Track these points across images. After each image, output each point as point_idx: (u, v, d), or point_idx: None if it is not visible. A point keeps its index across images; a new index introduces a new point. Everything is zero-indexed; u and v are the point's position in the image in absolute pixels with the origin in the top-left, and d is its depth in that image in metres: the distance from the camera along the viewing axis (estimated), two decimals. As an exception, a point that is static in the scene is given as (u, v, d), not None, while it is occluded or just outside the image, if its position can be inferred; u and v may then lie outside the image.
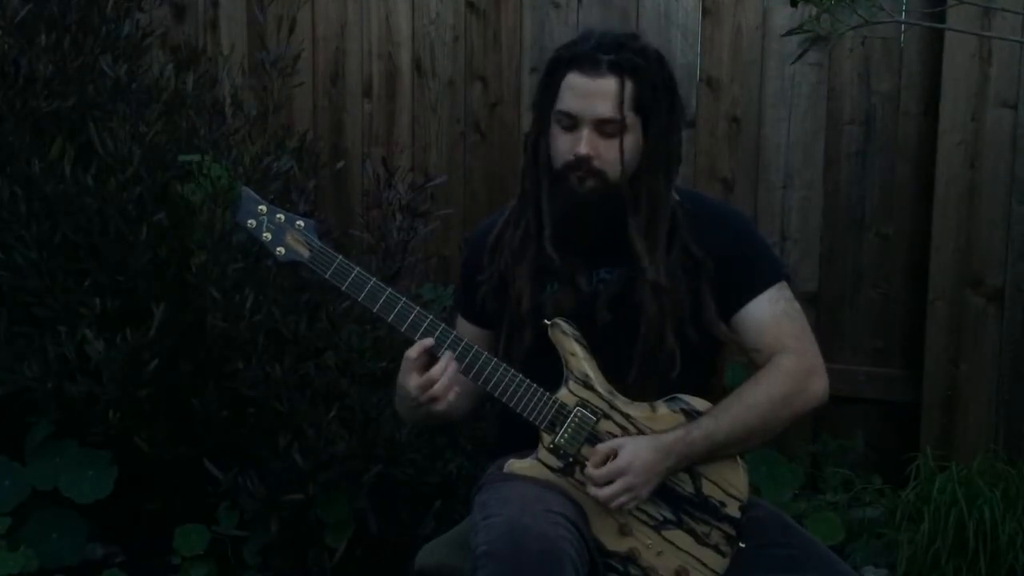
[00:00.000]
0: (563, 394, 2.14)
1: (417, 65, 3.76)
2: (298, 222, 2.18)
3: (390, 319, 2.15)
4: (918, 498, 3.05)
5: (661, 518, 2.12)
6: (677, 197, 2.23)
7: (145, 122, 3.01)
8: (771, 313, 2.20)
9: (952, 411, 3.34)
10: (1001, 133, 3.24)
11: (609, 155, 2.13)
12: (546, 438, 2.14)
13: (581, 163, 2.13)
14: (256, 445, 2.99)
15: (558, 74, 2.15)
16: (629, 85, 2.11)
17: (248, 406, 2.97)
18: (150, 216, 2.99)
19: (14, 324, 3.03)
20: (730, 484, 2.14)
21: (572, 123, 2.14)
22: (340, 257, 2.16)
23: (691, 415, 2.14)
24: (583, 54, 2.13)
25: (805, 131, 3.47)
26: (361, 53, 3.81)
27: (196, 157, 3.01)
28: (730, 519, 2.14)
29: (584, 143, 2.12)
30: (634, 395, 2.16)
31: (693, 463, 2.13)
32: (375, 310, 2.15)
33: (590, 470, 2.09)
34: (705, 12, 3.52)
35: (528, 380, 2.14)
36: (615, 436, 2.13)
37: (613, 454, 2.09)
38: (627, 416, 2.14)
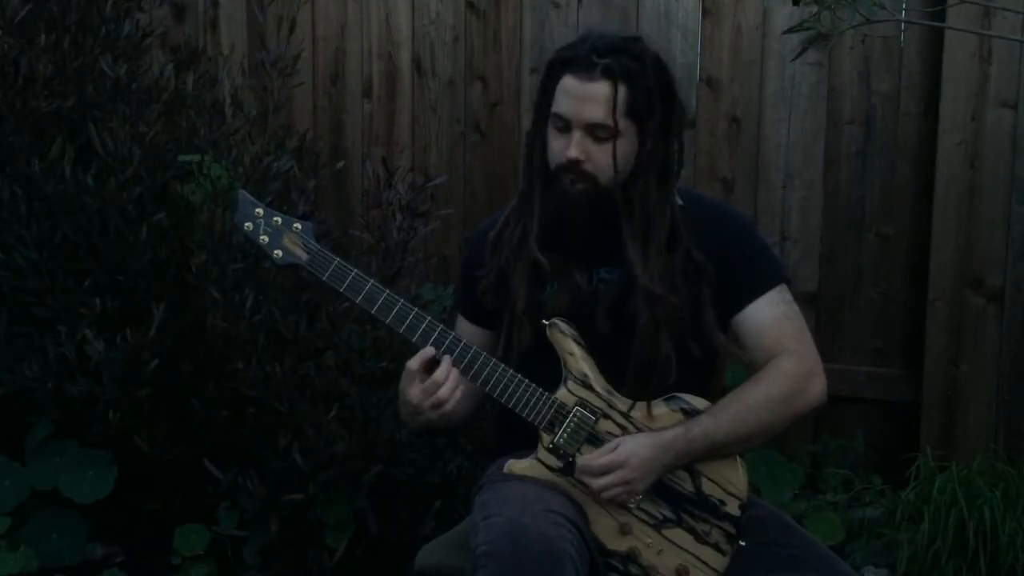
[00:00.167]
0: (562, 394, 2.15)
1: (417, 65, 3.76)
2: (295, 224, 2.18)
3: (388, 320, 2.15)
4: (918, 498, 3.05)
5: (661, 517, 2.12)
6: (680, 201, 2.23)
7: (145, 122, 3.01)
8: (771, 315, 2.20)
9: (952, 411, 3.34)
10: (1001, 133, 3.24)
11: (600, 159, 2.13)
12: (545, 438, 2.14)
13: (571, 166, 2.13)
14: (256, 445, 2.99)
15: (554, 76, 2.16)
16: (622, 90, 2.11)
17: (248, 406, 2.97)
18: (150, 216, 2.99)
19: (14, 324, 3.03)
20: (730, 483, 2.15)
21: (565, 126, 2.14)
22: (338, 259, 2.16)
23: (690, 414, 2.14)
24: (578, 57, 2.13)
25: (805, 131, 3.47)
26: (361, 53, 3.81)
27: (196, 157, 3.01)
28: (730, 517, 2.14)
29: (574, 147, 2.12)
30: (631, 398, 2.16)
31: (692, 461, 2.13)
32: (373, 311, 2.15)
33: (587, 459, 2.09)
34: (705, 12, 3.52)
35: (527, 380, 2.14)
36: (614, 435, 2.13)
37: (612, 448, 2.09)
38: (626, 415, 2.14)
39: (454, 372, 2.13)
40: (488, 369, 2.15)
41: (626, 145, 2.14)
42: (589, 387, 2.15)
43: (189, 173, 3.02)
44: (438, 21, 3.73)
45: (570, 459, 2.12)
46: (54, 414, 3.07)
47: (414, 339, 2.16)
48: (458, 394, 2.14)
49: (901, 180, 3.43)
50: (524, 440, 2.16)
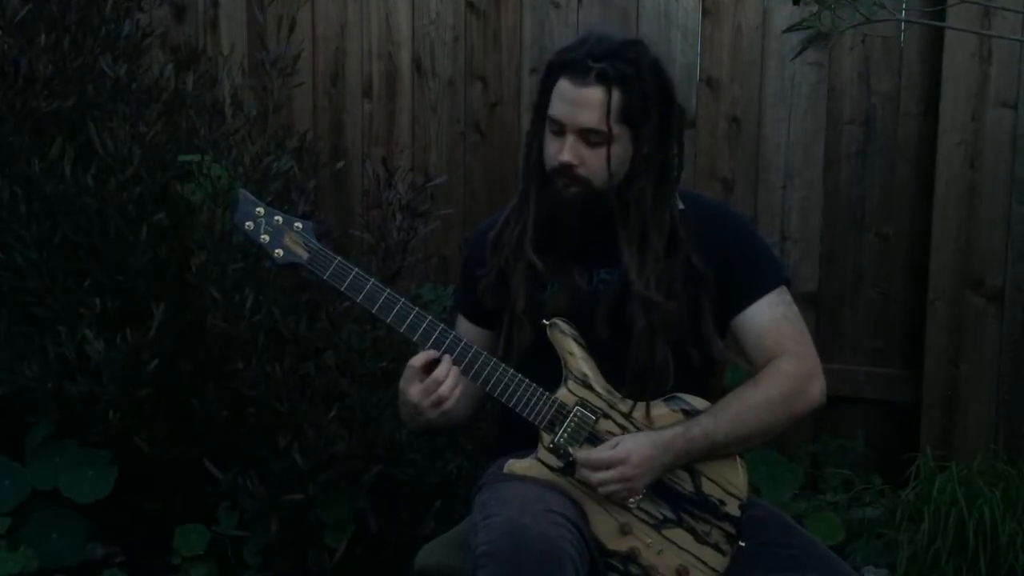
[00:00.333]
0: (562, 393, 2.15)
1: (417, 65, 3.76)
2: (296, 223, 2.18)
3: (389, 319, 2.15)
4: (918, 498, 3.05)
5: (661, 517, 2.12)
6: (681, 205, 2.22)
7: (145, 122, 3.01)
8: (771, 317, 2.20)
9: (952, 411, 3.34)
10: (1001, 133, 3.24)
11: (594, 164, 2.13)
12: (546, 438, 2.14)
13: (565, 170, 2.14)
14: (256, 445, 2.99)
15: (551, 78, 2.16)
16: (617, 95, 2.10)
17: (248, 406, 2.97)
18: (150, 216, 2.99)
19: (14, 324, 3.03)
20: (730, 483, 2.15)
21: (559, 129, 2.14)
22: (338, 258, 2.16)
23: (691, 414, 2.15)
24: (574, 61, 2.12)
25: (805, 131, 3.47)
26: (361, 53, 3.81)
27: (196, 157, 3.01)
28: (730, 518, 2.14)
29: (567, 151, 2.13)
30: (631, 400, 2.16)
31: (692, 461, 2.13)
32: (374, 311, 2.15)
33: (587, 453, 2.09)
34: (705, 12, 3.52)
35: (527, 380, 2.14)
36: (614, 435, 2.13)
37: (612, 446, 2.09)
38: (626, 415, 2.14)
39: (454, 370, 2.13)
40: (488, 369, 2.15)
41: (620, 150, 2.14)
42: (589, 387, 2.15)
43: (189, 173, 3.02)
44: (438, 21, 3.73)
45: (570, 459, 2.12)
46: (54, 414, 3.07)
47: (414, 338, 2.16)
48: (458, 392, 2.14)
49: (901, 180, 3.43)
50: (524, 440, 2.16)
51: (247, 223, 2.17)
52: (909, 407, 3.42)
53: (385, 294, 2.15)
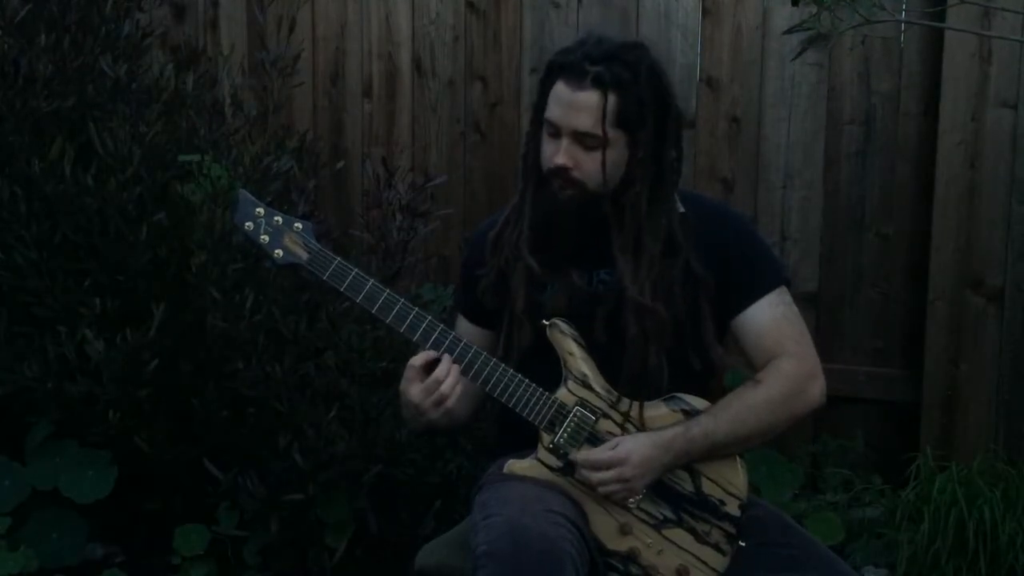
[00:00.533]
0: (562, 394, 2.15)
1: (417, 65, 3.76)
2: (296, 224, 2.18)
3: (388, 320, 2.16)
4: (918, 498, 3.05)
5: (661, 517, 2.13)
6: (681, 208, 2.22)
7: (145, 122, 3.01)
8: (771, 317, 2.20)
9: (952, 411, 3.34)
10: (1001, 133, 3.24)
11: (589, 167, 2.13)
12: (545, 438, 2.14)
13: (560, 172, 2.14)
14: (256, 445, 2.99)
15: (549, 80, 2.16)
16: (612, 100, 2.10)
17: (248, 406, 2.97)
18: (150, 216, 2.99)
19: (14, 324, 3.03)
20: (729, 483, 2.15)
21: (555, 132, 2.14)
22: (338, 259, 2.17)
23: (691, 414, 2.15)
24: (571, 63, 2.12)
25: (805, 131, 3.47)
26: (361, 53, 3.81)
27: (196, 157, 3.01)
28: (730, 517, 2.14)
29: (562, 154, 2.13)
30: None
31: (692, 461, 2.13)
32: (373, 311, 2.16)
33: (586, 454, 2.09)
34: (705, 12, 3.52)
35: (527, 380, 2.14)
36: (614, 435, 2.13)
37: (612, 446, 2.09)
38: (626, 415, 2.14)
39: (455, 369, 2.13)
40: (488, 369, 2.15)
41: (616, 154, 2.14)
42: (589, 387, 2.15)
43: (189, 173, 3.02)
44: (438, 21, 3.73)
45: (570, 459, 2.12)
46: (54, 414, 3.07)
47: (414, 339, 2.16)
48: (459, 391, 2.14)
49: (901, 180, 3.43)
50: (524, 440, 2.16)
51: (247, 223, 2.17)
52: (909, 407, 3.42)
53: (385, 294, 2.16)
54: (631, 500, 2.11)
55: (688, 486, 2.14)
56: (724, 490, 2.15)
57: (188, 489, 3.11)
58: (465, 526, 2.29)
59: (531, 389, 2.14)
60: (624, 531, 2.12)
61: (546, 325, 2.17)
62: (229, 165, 2.99)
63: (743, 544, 2.13)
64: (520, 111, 3.64)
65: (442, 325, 2.17)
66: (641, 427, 2.14)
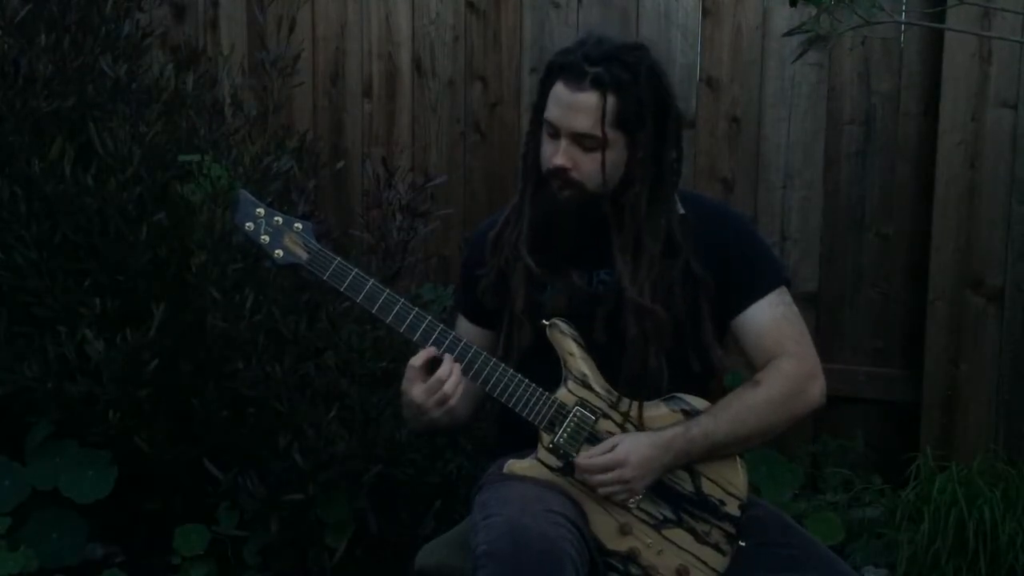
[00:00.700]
0: (562, 394, 2.15)
1: (417, 65, 3.76)
2: (296, 224, 2.18)
3: (388, 320, 2.16)
4: (918, 498, 3.05)
5: (661, 517, 2.13)
6: (681, 209, 2.22)
7: (145, 122, 3.01)
8: (771, 318, 2.20)
9: (952, 411, 3.34)
10: (1001, 133, 3.24)
11: (588, 168, 2.13)
12: (545, 438, 2.14)
13: (558, 173, 2.14)
14: (256, 445, 2.99)
15: (549, 81, 2.16)
16: (611, 101, 2.10)
17: (248, 406, 2.97)
18: (150, 216, 2.99)
19: (14, 324, 3.03)
20: (729, 483, 2.15)
21: (554, 132, 2.14)
22: (338, 259, 2.17)
23: (691, 415, 2.15)
24: (570, 64, 2.12)
25: (805, 131, 3.47)
26: (361, 53, 3.81)
27: (196, 157, 3.01)
28: (730, 518, 2.14)
29: (561, 155, 2.13)
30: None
31: (692, 461, 2.13)
32: (373, 311, 2.16)
33: (586, 458, 2.09)
34: (705, 12, 3.52)
35: (527, 380, 2.14)
36: (614, 435, 2.13)
37: (611, 447, 2.09)
38: (626, 415, 2.14)
39: (456, 368, 2.13)
40: (488, 369, 2.15)
41: (615, 155, 2.14)
42: (589, 387, 2.15)
43: (189, 173, 3.02)
44: (438, 21, 3.73)
45: (570, 459, 2.12)
46: (54, 414, 3.07)
47: (414, 339, 2.16)
48: (460, 390, 2.14)
49: (901, 180, 3.43)
50: (524, 440, 2.16)
51: (247, 223, 2.17)
52: (909, 407, 3.42)
53: (385, 294, 2.16)
54: (631, 500, 2.11)
55: (688, 486, 2.14)
56: (724, 490, 2.15)
57: (188, 489, 3.11)
58: (465, 526, 2.29)
59: (531, 389, 2.14)
60: (624, 531, 2.12)
61: (546, 325, 2.17)
62: (229, 165, 2.99)
63: (743, 544, 2.13)
64: (520, 111, 3.64)
65: (442, 325, 2.17)
66: (641, 427, 2.14)
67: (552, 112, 2.15)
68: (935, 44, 3.30)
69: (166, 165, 3.04)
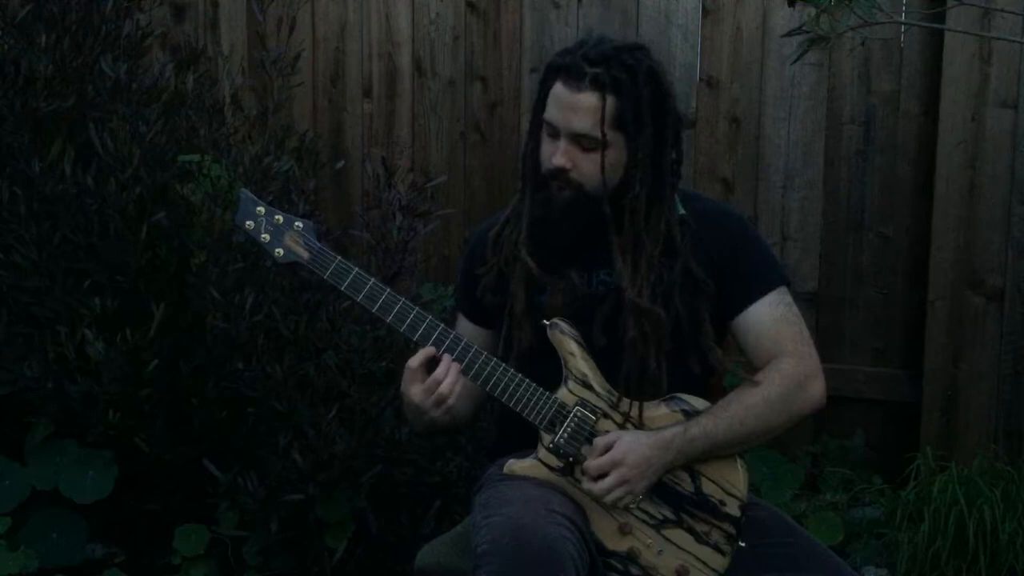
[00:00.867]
0: (563, 394, 2.15)
1: (417, 65, 3.76)
2: (297, 223, 2.18)
3: (389, 319, 2.16)
4: (918, 498, 3.05)
5: (661, 517, 2.13)
6: (682, 210, 2.22)
7: (145, 122, 3.00)
8: (771, 318, 2.20)
9: (952, 411, 3.34)
10: (1001, 133, 3.25)
11: (587, 168, 2.13)
12: (546, 438, 2.14)
13: (558, 173, 2.14)
14: (256, 445, 2.99)
15: (548, 81, 2.17)
16: (611, 102, 2.10)
17: (248, 406, 2.97)
18: (150, 216, 2.99)
19: (14, 324, 3.03)
20: (730, 483, 2.15)
21: (554, 132, 2.15)
22: (339, 258, 2.17)
23: (691, 415, 2.15)
24: (570, 65, 2.12)
25: (805, 131, 3.47)
26: (361, 53, 3.81)
27: (196, 157, 3.01)
28: (730, 518, 2.14)
29: (560, 155, 2.13)
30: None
31: (691, 461, 2.13)
32: (374, 310, 2.15)
33: (586, 463, 2.09)
34: (705, 12, 3.52)
35: (527, 380, 2.14)
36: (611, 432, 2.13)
37: (609, 445, 2.09)
38: (626, 415, 2.14)
39: (454, 367, 2.13)
40: (489, 369, 2.15)
41: (614, 156, 2.14)
42: (589, 387, 2.15)
43: (189, 173, 3.02)
44: (438, 21, 3.73)
45: (570, 459, 2.12)
46: (54, 414, 3.07)
47: (415, 338, 2.16)
48: (458, 389, 2.14)
49: (901, 180, 3.43)
50: (524, 440, 2.16)
51: (248, 222, 2.17)
52: (909, 407, 3.42)
53: (385, 294, 2.16)
54: (632, 501, 2.11)
55: (688, 486, 2.14)
56: (724, 490, 2.15)
57: (188, 489, 3.11)
58: (465, 526, 2.30)
59: (531, 389, 2.14)
60: (624, 531, 2.12)
61: (547, 325, 2.17)
62: (229, 165, 2.99)
63: (743, 544, 2.13)
64: (520, 111, 3.64)
65: (442, 325, 2.17)
66: (641, 427, 2.14)
67: (551, 113, 2.15)
68: (935, 44, 3.30)
69: (166, 165, 3.04)
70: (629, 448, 2.08)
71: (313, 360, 2.96)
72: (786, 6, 3.24)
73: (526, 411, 2.14)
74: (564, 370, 2.16)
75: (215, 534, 3.06)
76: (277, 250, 2.17)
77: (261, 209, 2.18)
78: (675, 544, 2.12)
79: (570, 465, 2.12)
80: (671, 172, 2.20)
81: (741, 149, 3.53)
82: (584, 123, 2.11)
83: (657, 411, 2.15)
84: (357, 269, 2.17)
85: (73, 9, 3.08)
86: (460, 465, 3.04)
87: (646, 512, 2.12)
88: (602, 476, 2.08)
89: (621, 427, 2.14)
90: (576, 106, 2.11)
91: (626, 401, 2.15)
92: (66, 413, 3.04)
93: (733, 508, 2.14)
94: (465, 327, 2.34)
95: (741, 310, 2.20)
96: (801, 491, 3.38)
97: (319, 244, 2.18)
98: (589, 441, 2.12)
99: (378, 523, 2.99)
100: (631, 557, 2.11)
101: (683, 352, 2.17)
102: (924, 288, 3.36)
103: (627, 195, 2.15)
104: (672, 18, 3.54)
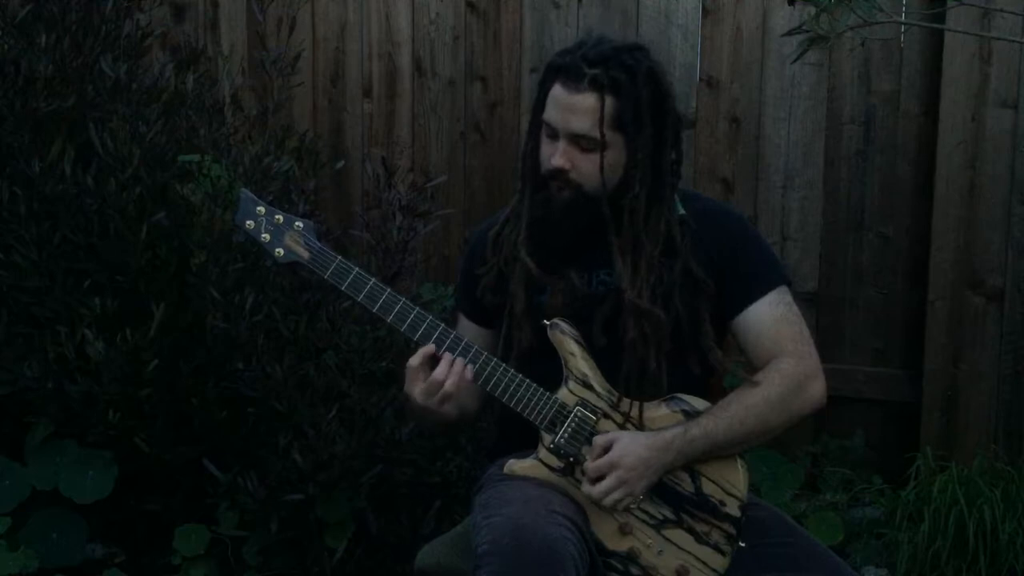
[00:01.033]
0: (563, 394, 2.15)
1: (417, 65, 3.76)
2: (297, 223, 2.18)
3: (389, 319, 2.16)
4: (918, 498, 3.05)
5: (661, 517, 2.13)
6: (682, 210, 2.22)
7: (145, 122, 3.00)
8: (771, 318, 2.20)
9: (952, 411, 3.34)
10: (1001, 133, 3.25)
11: (587, 169, 2.13)
12: (546, 438, 2.14)
13: (556, 174, 2.14)
14: (256, 445, 2.99)
15: (547, 82, 2.16)
16: (610, 102, 2.10)
17: (248, 406, 2.97)
18: (150, 216, 2.99)
19: (14, 324, 3.03)
20: (730, 483, 2.15)
21: (553, 133, 2.15)
22: (339, 258, 2.17)
23: (690, 415, 2.14)
24: (569, 65, 2.12)
25: (805, 131, 3.47)
26: (361, 53, 3.81)
27: (196, 157, 3.01)
28: (730, 518, 2.14)
29: (559, 155, 2.13)
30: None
31: (691, 462, 2.13)
32: (374, 310, 2.15)
33: (584, 466, 2.09)
34: (705, 12, 3.52)
35: (528, 380, 2.14)
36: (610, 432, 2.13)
37: (608, 445, 2.09)
38: (627, 415, 2.14)
39: (459, 362, 2.12)
40: (489, 369, 2.15)
41: (613, 157, 2.14)
42: (590, 387, 2.15)
43: (189, 173, 3.02)
44: (438, 21, 3.73)
45: (571, 459, 2.12)
46: (54, 414, 3.07)
47: (415, 338, 2.16)
48: (455, 381, 2.13)
49: (901, 180, 3.43)
50: (525, 440, 2.16)
51: (248, 222, 2.17)
52: (909, 407, 3.42)
53: (386, 294, 2.15)
54: (632, 502, 2.11)
55: (688, 486, 2.14)
56: (724, 491, 2.14)
57: (188, 489, 3.11)
58: (465, 526, 2.30)
59: (532, 389, 2.14)
60: (624, 531, 2.11)
61: (547, 325, 2.17)
62: (229, 165, 2.99)
63: (743, 545, 2.13)
64: (520, 111, 3.64)
65: (443, 325, 2.17)
66: (641, 428, 2.14)
67: (551, 113, 2.15)
68: (935, 44, 3.30)
69: (166, 165, 3.04)
70: (627, 450, 2.08)
71: (313, 360, 2.96)
72: (786, 6, 3.27)
73: (526, 411, 2.14)
74: (564, 370, 2.16)
75: (215, 534, 3.06)
76: (277, 250, 2.17)
77: (261, 209, 2.18)
78: (675, 544, 2.12)
79: (570, 465, 2.12)
80: (671, 172, 2.20)
81: (741, 149, 3.53)
82: (583, 124, 2.11)
83: (657, 411, 2.15)
84: (358, 269, 2.17)
85: (73, 9, 3.08)
86: (460, 465, 3.04)
87: (646, 512, 2.12)
88: (600, 478, 2.08)
89: (621, 427, 2.14)
90: (575, 107, 2.11)
91: (626, 401, 2.15)
92: (66, 413, 3.04)
93: (733, 508, 2.14)
94: (466, 327, 2.34)
95: (741, 310, 2.20)
96: (801, 491, 3.38)
97: (319, 244, 2.18)
98: (589, 441, 2.12)
99: (378, 523, 2.99)
100: (631, 557, 2.11)
101: (683, 352, 2.17)
102: (924, 288, 3.36)
103: (626, 195, 2.15)
104: (672, 18, 3.54)
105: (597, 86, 2.10)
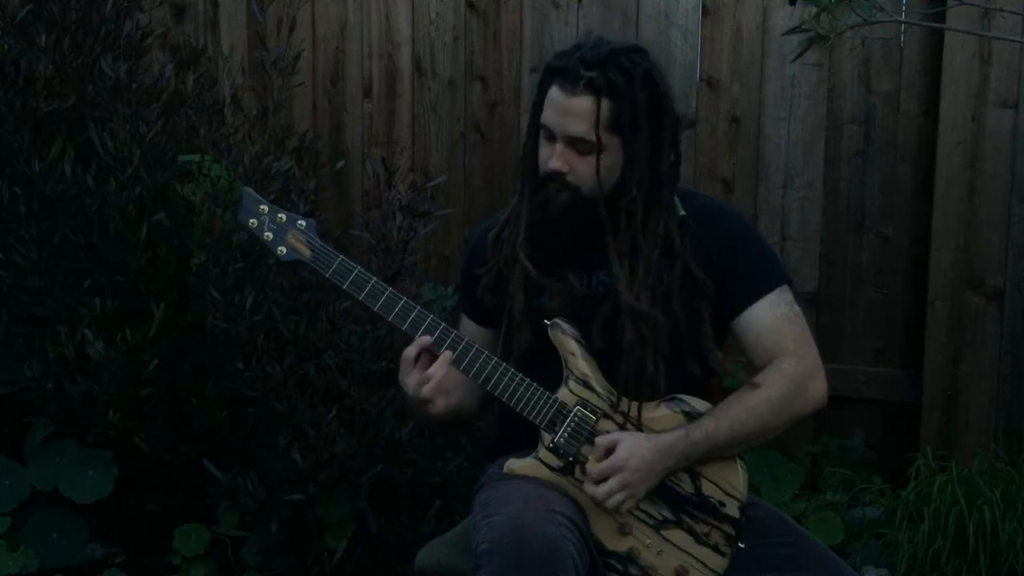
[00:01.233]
0: (563, 393, 2.15)
1: (417, 65, 3.76)
2: (299, 222, 2.18)
3: (391, 318, 2.16)
4: (918, 498, 3.05)
5: (661, 517, 2.13)
6: (682, 211, 2.22)
7: (145, 122, 3.01)
8: (771, 317, 2.20)
9: (952, 411, 3.34)
10: (1001, 133, 3.25)
11: (584, 171, 2.13)
12: (546, 437, 2.14)
13: (554, 176, 2.14)
14: (256, 445, 2.99)
15: (545, 84, 2.17)
16: (606, 105, 2.10)
17: (248, 406, 2.97)
18: (150, 216, 2.99)
19: (14, 324, 3.03)
20: (729, 484, 2.15)
21: (550, 135, 2.15)
22: (341, 257, 2.17)
23: (692, 416, 2.14)
24: (566, 68, 2.12)
25: (805, 131, 3.47)
26: (361, 53, 3.81)
27: (196, 157, 3.01)
28: (730, 519, 2.14)
29: (556, 158, 2.13)
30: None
31: (692, 463, 2.13)
32: (376, 309, 2.16)
33: (588, 467, 2.09)
34: (705, 12, 3.52)
35: (528, 379, 2.14)
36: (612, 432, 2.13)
37: (612, 446, 2.09)
38: (626, 416, 2.14)
39: (447, 355, 2.12)
40: (489, 368, 2.15)
41: (610, 159, 2.14)
42: (590, 387, 2.15)
43: (189, 173, 3.02)
44: (438, 21, 3.73)
45: (570, 459, 2.12)
46: (54, 414, 3.07)
47: (416, 337, 2.16)
48: (455, 383, 2.13)
49: (901, 180, 3.43)
50: (524, 440, 2.16)
51: (251, 220, 2.18)
52: (909, 407, 3.42)
53: (387, 292, 2.16)
54: (634, 504, 2.11)
55: (688, 487, 2.14)
56: (724, 491, 2.14)
57: (188, 489, 3.11)
58: (465, 526, 2.30)
59: (532, 388, 2.14)
60: (624, 531, 2.12)
61: (547, 325, 2.17)
62: (229, 165, 2.99)
63: (742, 545, 2.13)
64: (520, 111, 3.63)
65: (444, 324, 2.17)
66: (640, 428, 2.13)
67: (548, 116, 2.15)
68: (935, 44, 3.30)
69: (166, 165, 3.04)
70: (631, 452, 2.08)
71: (313, 360, 2.96)
72: (786, 5, 3.26)
73: (526, 410, 2.14)
74: (565, 370, 2.16)
75: (215, 534, 3.06)
76: (280, 248, 2.17)
77: (264, 207, 2.18)
78: (675, 544, 2.12)
79: (570, 465, 2.12)
80: (669, 174, 2.19)
81: (741, 149, 3.53)
82: (579, 127, 2.11)
83: (657, 412, 2.15)
84: (359, 268, 2.17)
85: (73, 9, 3.08)
86: (460, 465, 3.04)
87: (646, 512, 2.12)
88: (603, 480, 2.08)
89: (621, 427, 2.14)
90: (571, 110, 2.11)
91: (626, 401, 2.15)
92: (66, 413, 3.04)
93: (733, 509, 2.14)
94: (467, 327, 2.34)
95: (742, 310, 2.20)
96: (801, 491, 3.38)
97: (321, 243, 2.18)
98: (589, 441, 2.12)
99: (378, 523, 2.99)
100: (631, 557, 2.11)
101: (682, 354, 2.17)
102: (924, 288, 3.36)
103: (624, 198, 2.15)
104: (672, 18, 3.54)
105: (593, 89, 2.10)
